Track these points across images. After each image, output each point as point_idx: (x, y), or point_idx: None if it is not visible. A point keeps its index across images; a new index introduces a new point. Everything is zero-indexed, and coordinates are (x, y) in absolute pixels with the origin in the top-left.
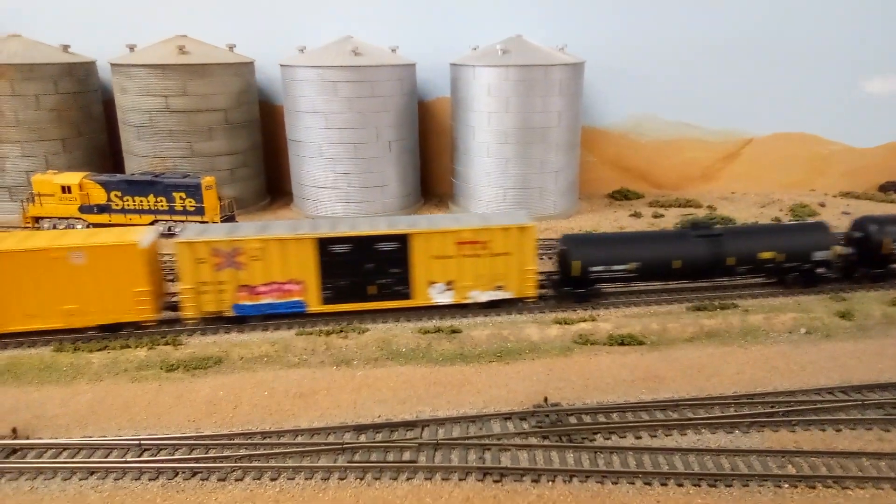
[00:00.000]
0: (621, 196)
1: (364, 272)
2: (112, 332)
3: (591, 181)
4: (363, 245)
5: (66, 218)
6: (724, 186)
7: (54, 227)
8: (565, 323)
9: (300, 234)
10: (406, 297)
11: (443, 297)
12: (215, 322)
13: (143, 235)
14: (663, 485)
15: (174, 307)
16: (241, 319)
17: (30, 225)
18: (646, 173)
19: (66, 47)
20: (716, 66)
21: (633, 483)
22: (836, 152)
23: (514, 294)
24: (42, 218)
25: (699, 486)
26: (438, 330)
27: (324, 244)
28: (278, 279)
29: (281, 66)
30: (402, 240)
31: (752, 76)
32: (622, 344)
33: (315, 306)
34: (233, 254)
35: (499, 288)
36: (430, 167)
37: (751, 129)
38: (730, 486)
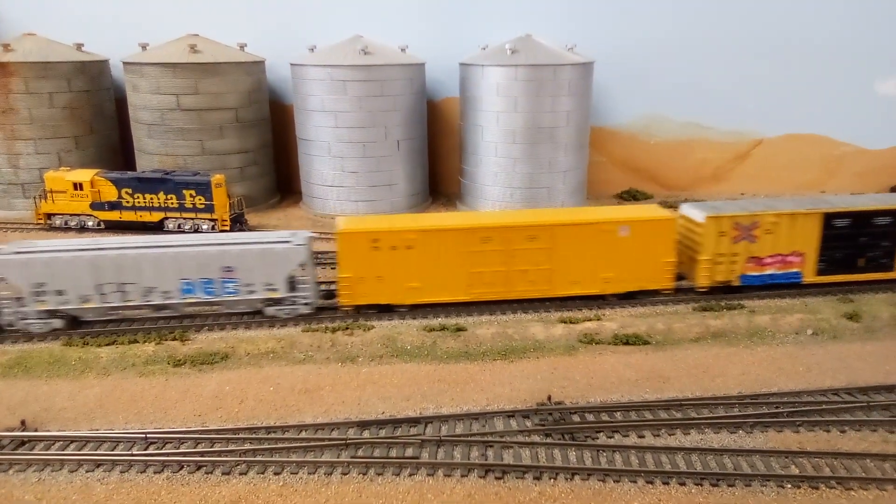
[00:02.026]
0: (630, 196)
1: (858, 245)
2: (627, 300)
3: (599, 182)
4: (862, 219)
5: (78, 215)
6: (734, 187)
7: (65, 224)
8: (570, 322)
9: (809, 209)
10: (889, 269)
11: None
12: (718, 291)
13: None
14: (665, 483)
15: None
16: (740, 289)
17: (41, 222)
18: (655, 174)
19: (79, 46)
20: (727, 66)
21: (634, 482)
22: (848, 154)
23: None
24: (54, 214)
25: (701, 485)
26: (443, 328)
27: (828, 218)
28: (783, 251)
29: (291, 65)
30: None
31: (764, 76)
32: (627, 343)
33: (810, 277)
34: (750, 227)
35: None
36: (438, 167)
37: (762, 129)
38: (732, 485)
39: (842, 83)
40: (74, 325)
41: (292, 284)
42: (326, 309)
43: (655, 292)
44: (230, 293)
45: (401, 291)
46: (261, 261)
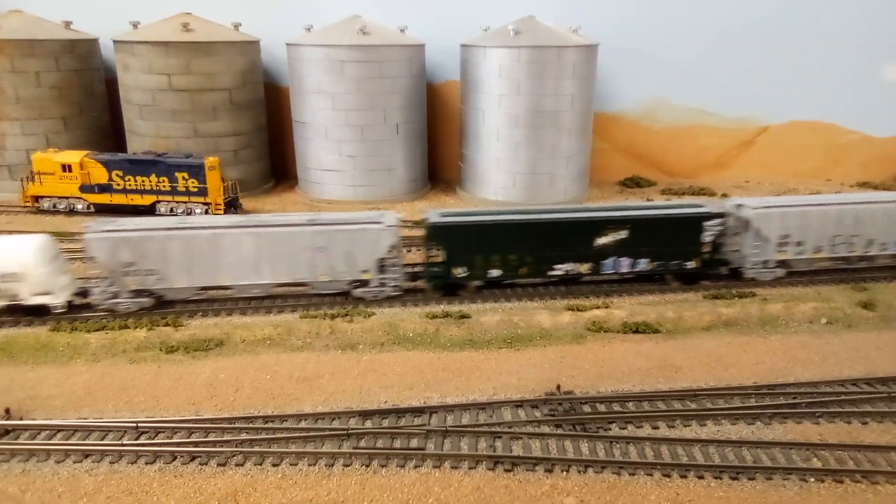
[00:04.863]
0: (633, 183)
1: None
2: None
3: (602, 168)
4: None
5: (67, 197)
6: (738, 174)
7: (54, 207)
8: (578, 310)
9: None
10: None
11: None
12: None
13: None
14: (683, 477)
15: None
16: None
17: (29, 204)
18: (658, 160)
19: (67, 24)
20: (732, 51)
21: (650, 475)
22: (854, 141)
23: None
24: (42, 197)
25: (720, 478)
26: (447, 315)
27: None
28: None
29: (287, 45)
30: None
31: (769, 62)
32: (637, 332)
33: None
34: None
35: None
36: (438, 152)
37: (767, 116)
38: (752, 479)
39: (848, 70)
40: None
41: None
42: None
43: None
44: None
45: None
46: None
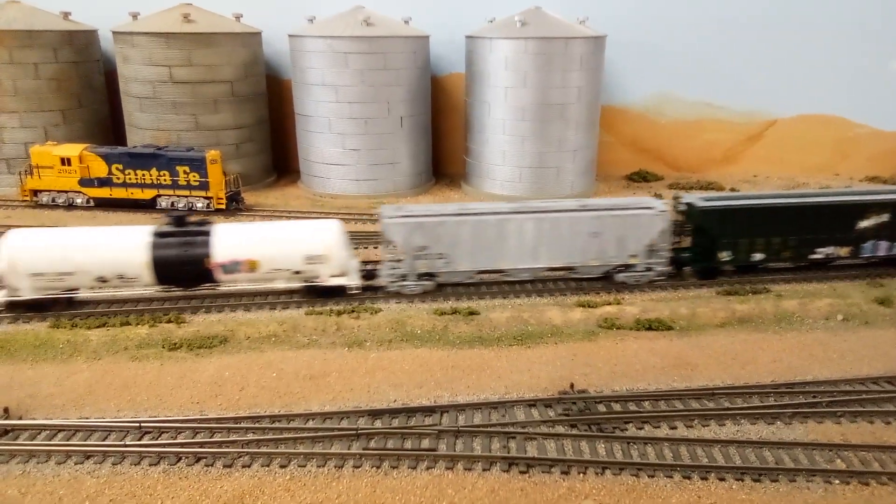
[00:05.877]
0: (640, 178)
1: None
2: None
3: (608, 162)
4: None
5: (66, 191)
6: (745, 169)
7: (52, 201)
8: (589, 306)
9: None
10: None
11: None
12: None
13: None
14: (703, 479)
15: None
16: None
17: (27, 198)
18: (665, 155)
19: (66, 15)
20: (740, 44)
21: (670, 476)
22: (862, 135)
23: None
24: (41, 191)
25: (742, 480)
26: (455, 311)
27: None
28: None
29: (289, 36)
30: None
31: (778, 55)
32: (650, 329)
33: None
34: None
35: None
36: (442, 146)
37: (775, 109)
38: (776, 480)
39: (857, 62)
40: None
41: None
42: None
43: None
44: None
45: None
46: None
